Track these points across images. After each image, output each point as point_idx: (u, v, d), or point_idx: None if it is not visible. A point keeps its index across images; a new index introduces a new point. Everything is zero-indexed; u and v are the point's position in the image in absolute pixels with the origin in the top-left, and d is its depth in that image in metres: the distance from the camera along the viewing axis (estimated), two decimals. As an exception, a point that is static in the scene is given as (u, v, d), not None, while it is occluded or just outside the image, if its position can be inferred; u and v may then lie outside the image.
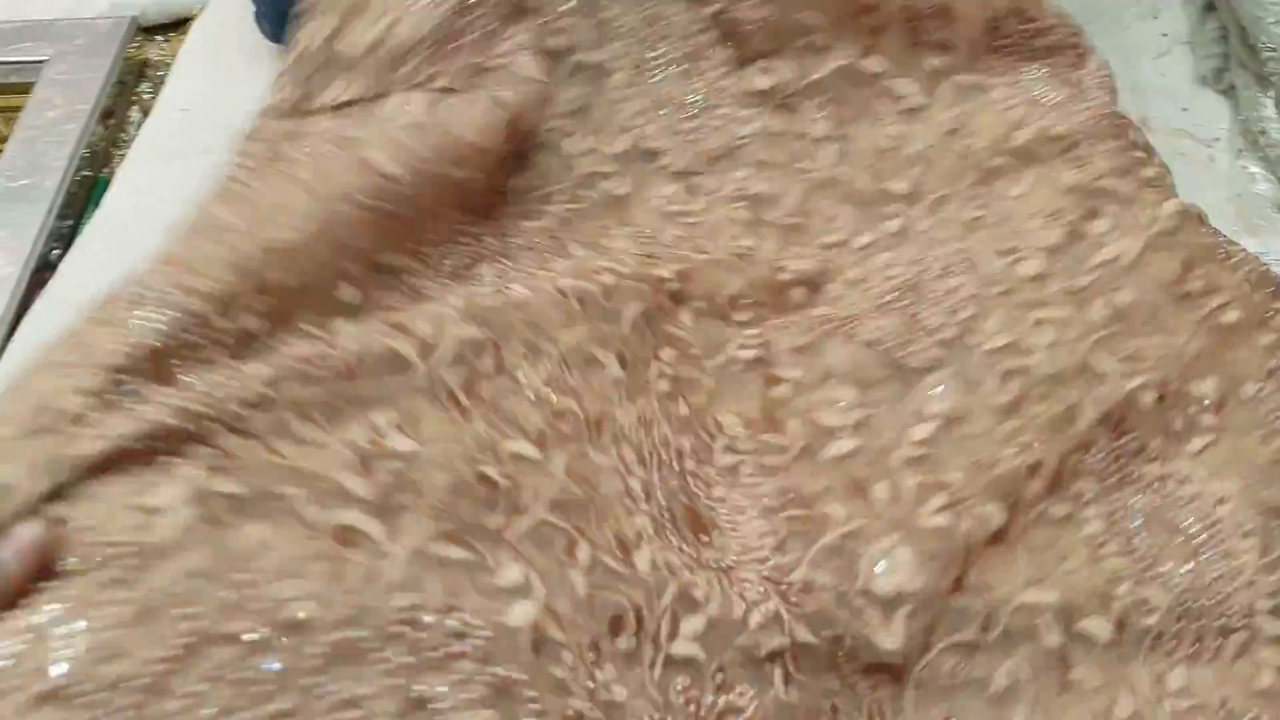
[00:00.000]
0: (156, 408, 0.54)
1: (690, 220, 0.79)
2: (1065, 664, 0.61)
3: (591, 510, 0.61)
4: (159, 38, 1.11)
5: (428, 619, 0.52)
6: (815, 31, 0.81)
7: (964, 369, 0.70)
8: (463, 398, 0.62)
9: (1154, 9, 1.03)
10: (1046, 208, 0.77)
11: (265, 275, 0.62)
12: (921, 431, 0.68)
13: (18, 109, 1.04)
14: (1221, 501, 0.65)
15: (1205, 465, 0.66)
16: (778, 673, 0.59)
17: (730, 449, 0.69)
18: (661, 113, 0.81)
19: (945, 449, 0.67)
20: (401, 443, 0.59)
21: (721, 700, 0.58)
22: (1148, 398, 0.67)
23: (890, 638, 0.60)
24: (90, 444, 0.52)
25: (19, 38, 1.07)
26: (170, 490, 0.52)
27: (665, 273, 0.74)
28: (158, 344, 0.56)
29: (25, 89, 1.05)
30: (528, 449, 0.62)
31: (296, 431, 0.58)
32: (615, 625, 0.58)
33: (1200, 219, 0.76)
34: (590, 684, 0.56)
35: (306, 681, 0.48)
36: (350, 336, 0.62)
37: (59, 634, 0.46)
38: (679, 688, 0.58)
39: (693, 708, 0.58)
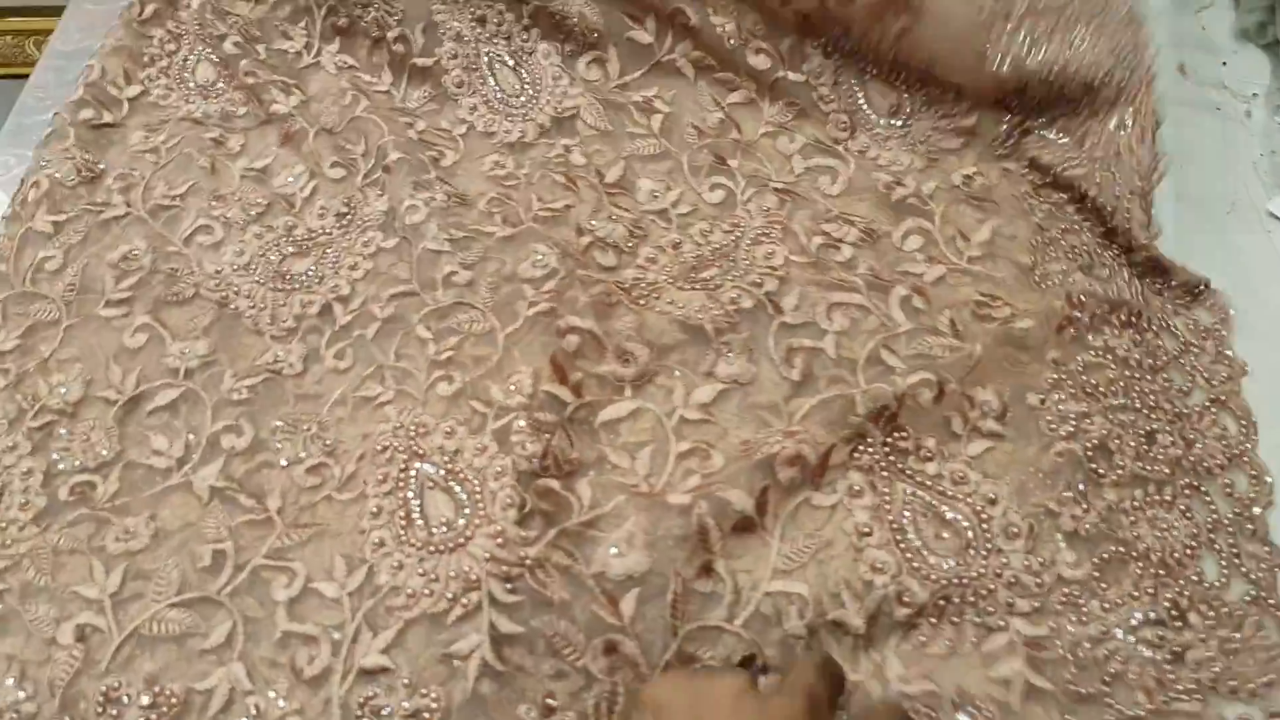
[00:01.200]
0: None
1: (509, 184, 0.82)
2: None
3: (311, 545, 0.66)
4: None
5: (126, 698, 0.61)
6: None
7: (758, 339, 0.72)
8: (205, 494, 0.68)
9: (1201, -39, 0.97)
10: (865, 211, 0.80)
11: None
12: (707, 393, 0.70)
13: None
14: (993, 502, 0.65)
15: (982, 468, 0.67)
16: (472, 666, 0.60)
17: (504, 410, 0.69)
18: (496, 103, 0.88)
19: (728, 416, 0.69)
20: (141, 539, 0.66)
21: (405, 705, 0.60)
22: (925, 395, 0.67)
23: (618, 616, 0.61)
24: None
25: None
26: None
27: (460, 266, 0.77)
28: None
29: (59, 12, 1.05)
30: (258, 515, 0.68)
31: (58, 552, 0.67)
32: (306, 656, 0.62)
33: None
34: None
35: None
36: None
37: None
38: (361, 700, 0.60)
39: (373, 718, 0.60)
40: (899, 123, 0.84)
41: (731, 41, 0.84)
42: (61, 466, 0.70)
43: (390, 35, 0.89)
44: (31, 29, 1.14)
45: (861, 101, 0.84)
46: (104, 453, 0.70)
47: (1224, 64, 0.91)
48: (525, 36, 0.89)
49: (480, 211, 0.80)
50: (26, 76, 1.01)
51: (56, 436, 0.71)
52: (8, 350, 0.74)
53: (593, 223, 0.79)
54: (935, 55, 0.80)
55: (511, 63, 0.89)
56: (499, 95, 0.88)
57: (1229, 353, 0.72)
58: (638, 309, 0.74)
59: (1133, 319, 0.73)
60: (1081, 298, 0.72)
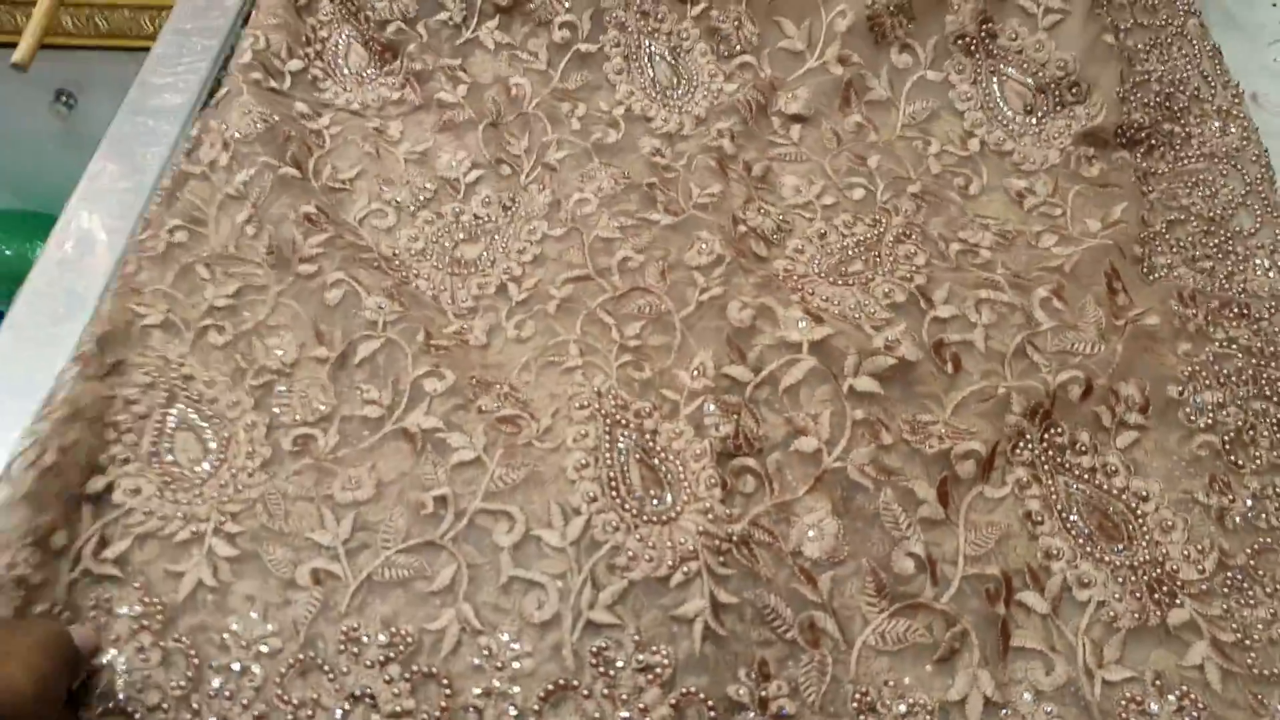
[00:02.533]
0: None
1: (669, 174, 0.89)
2: (1007, 631, 0.67)
3: (524, 489, 0.70)
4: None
5: (365, 638, 0.65)
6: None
7: (913, 330, 0.78)
8: (419, 438, 0.72)
9: (1277, -4, 1.10)
10: (998, 211, 0.90)
11: None
12: (880, 363, 0.75)
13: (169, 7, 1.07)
14: (1145, 499, 0.73)
15: (1131, 461, 0.75)
16: (697, 628, 0.65)
17: (693, 394, 0.75)
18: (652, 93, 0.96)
19: (892, 399, 0.75)
20: (366, 490, 0.71)
21: (638, 658, 0.65)
22: (1075, 391, 0.75)
23: (817, 592, 0.67)
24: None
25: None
26: (190, 560, 0.67)
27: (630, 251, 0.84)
28: None
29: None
30: (468, 455, 0.72)
31: (287, 498, 0.71)
32: (534, 601, 0.66)
33: (1122, 248, 0.85)
34: (500, 664, 0.64)
35: (274, 692, 0.64)
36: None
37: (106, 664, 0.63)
38: (593, 649, 0.65)
39: (605, 669, 0.64)
40: (1033, 119, 0.94)
41: (878, 41, 0.94)
42: (283, 420, 0.73)
43: (557, 20, 0.96)
44: (147, 4, 1.17)
45: (999, 99, 0.94)
46: (321, 408, 0.74)
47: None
48: (685, 35, 0.97)
49: (643, 195, 0.86)
50: (143, 49, 1.04)
51: (276, 394, 0.74)
52: (221, 308, 0.77)
53: (746, 213, 0.86)
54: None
55: (670, 59, 0.97)
56: (655, 86, 0.95)
57: None
58: (799, 297, 0.80)
59: (1244, 311, 0.82)
60: (1192, 295, 0.82)
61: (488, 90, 0.95)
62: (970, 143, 0.94)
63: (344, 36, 0.96)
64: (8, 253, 1.26)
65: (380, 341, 0.76)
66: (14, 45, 1.03)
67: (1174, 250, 0.87)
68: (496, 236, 0.85)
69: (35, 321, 0.79)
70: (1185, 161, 0.93)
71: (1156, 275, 0.85)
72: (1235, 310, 0.82)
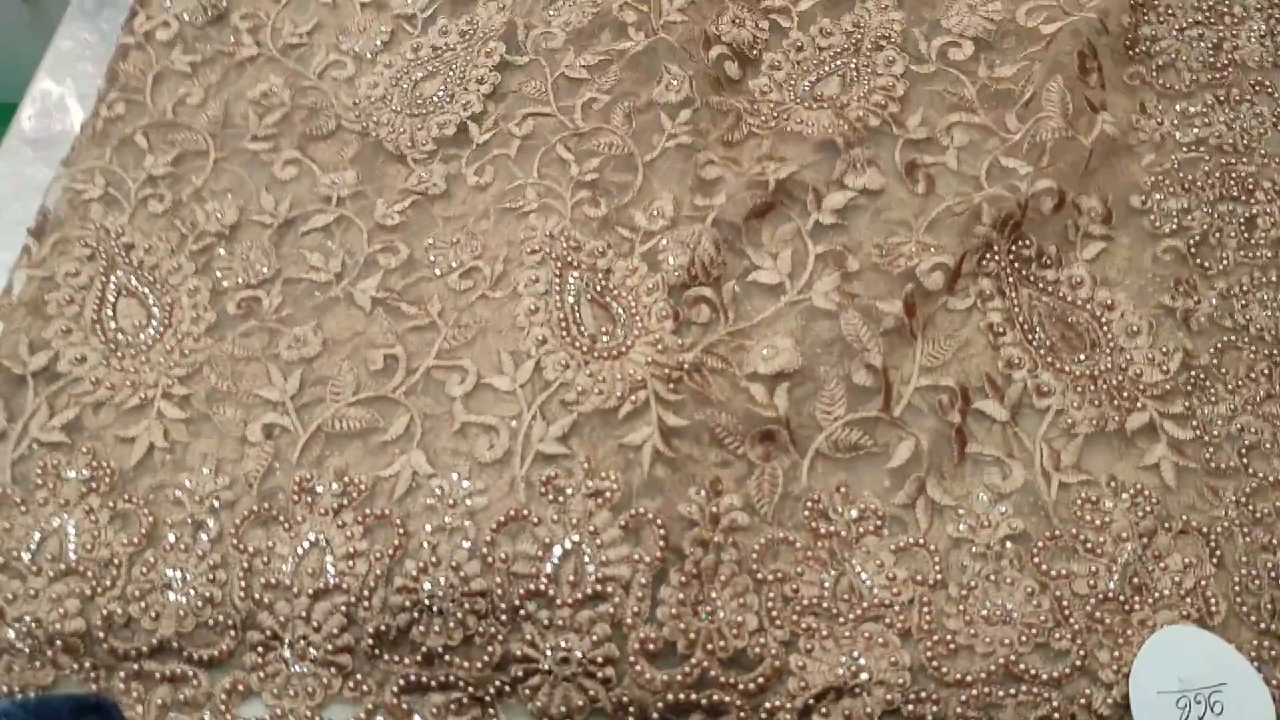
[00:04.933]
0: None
1: None
2: (963, 440, 0.66)
3: (477, 343, 0.71)
4: None
5: (320, 488, 0.66)
6: None
7: (885, 154, 0.77)
8: (368, 305, 0.72)
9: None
10: (983, 6, 0.83)
11: None
12: (838, 199, 0.74)
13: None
14: (1110, 308, 0.71)
15: (1096, 271, 0.72)
16: (646, 453, 0.65)
17: (649, 234, 0.74)
18: None
19: (859, 222, 0.74)
20: (312, 346, 0.70)
21: (587, 484, 0.65)
22: (1048, 204, 0.73)
23: (771, 409, 0.67)
24: None
25: None
26: (140, 425, 0.68)
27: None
28: None
29: None
30: (421, 319, 0.72)
31: (234, 358, 0.71)
32: (486, 443, 0.67)
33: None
34: (452, 502, 0.65)
35: (230, 542, 0.65)
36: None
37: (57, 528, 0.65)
38: (543, 478, 0.65)
39: (555, 496, 0.64)
40: None
41: None
42: (225, 284, 0.73)
43: None
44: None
45: None
46: (264, 270, 0.73)
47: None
48: None
49: (614, 25, 0.83)
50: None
51: (217, 257, 0.74)
52: (160, 176, 0.77)
53: (720, 25, 0.82)
54: None
55: None
56: None
57: None
58: (768, 132, 0.78)
59: (1222, 99, 0.79)
60: (1159, 99, 0.80)
61: None
62: None
63: None
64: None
65: (333, 216, 0.76)
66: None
67: (1162, 18, 0.83)
68: (454, 64, 0.83)
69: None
70: None
71: (1138, 50, 0.81)
72: (1213, 98, 0.79)
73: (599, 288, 0.72)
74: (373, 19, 0.86)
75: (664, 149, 0.77)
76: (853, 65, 0.81)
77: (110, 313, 0.71)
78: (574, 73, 0.81)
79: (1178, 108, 0.79)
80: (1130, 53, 0.81)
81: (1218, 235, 0.74)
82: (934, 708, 0.59)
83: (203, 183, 0.77)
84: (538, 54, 0.82)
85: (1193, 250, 0.73)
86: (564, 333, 0.70)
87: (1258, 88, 0.79)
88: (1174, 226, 0.74)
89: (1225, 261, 0.73)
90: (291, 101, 0.81)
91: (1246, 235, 0.74)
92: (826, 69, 0.81)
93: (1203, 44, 0.81)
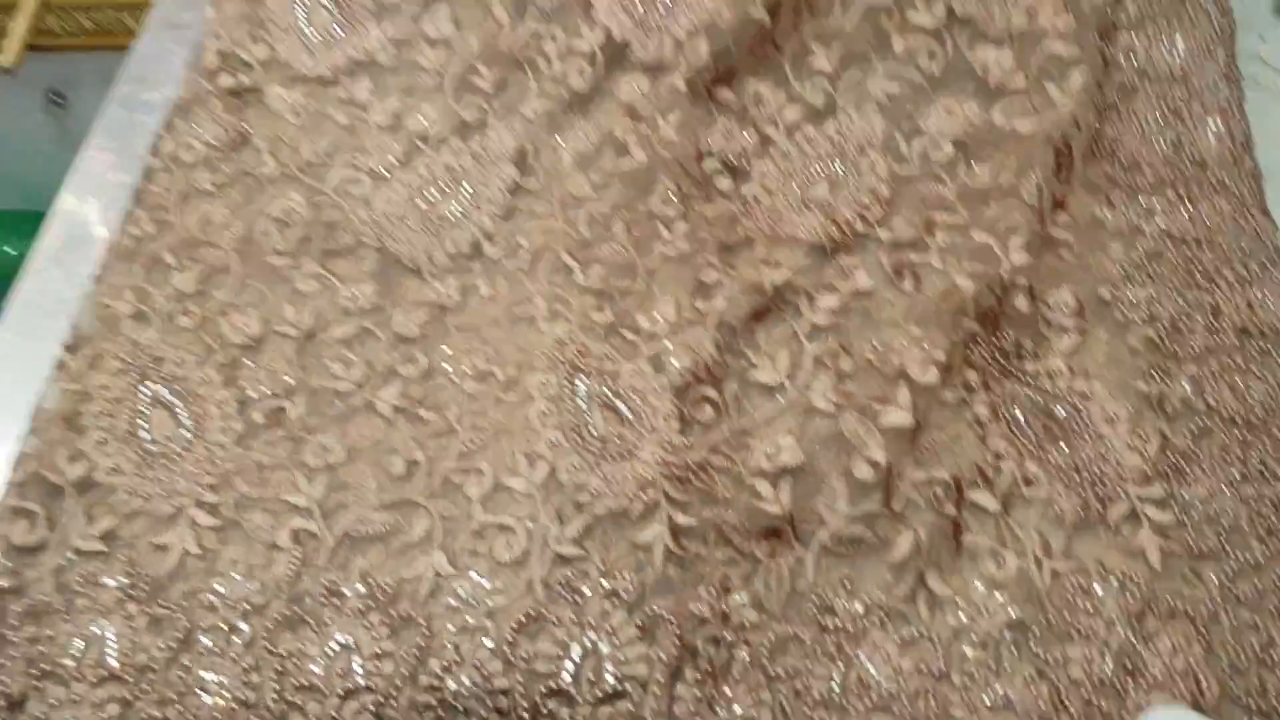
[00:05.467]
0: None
1: (644, 113, 0.88)
2: (959, 530, 0.70)
3: (493, 446, 0.74)
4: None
5: (347, 590, 0.69)
6: None
7: (872, 256, 0.81)
8: (389, 413, 0.76)
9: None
10: (964, 92, 0.88)
11: None
12: (831, 302, 0.79)
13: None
14: (1087, 397, 0.75)
15: (1073, 362, 0.77)
16: (657, 552, 0.68)
17: (654, 338, 0.77)
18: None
19: (851, 323, 0.79)
20: (337, 454, 0.74)
21: (603, 584, 0.68)
22: (1023, 300, 0.78)
23: (775, 504, 0.70)
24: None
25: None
26: (174, 532, 0.71)
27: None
28: None
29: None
30: (439, 425, 0.75)
31: (262, 466, 0.74)
32: (504, 543, 0.70)
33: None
34: (473, 602, 0.68)
35: (263, 645, 0.67)
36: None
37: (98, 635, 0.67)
38: (561, 580, 0.68)
39: (572, 596, 0.68)
40: None
41: None
42: (251, 394, 0.76)
43: None
44: (130, 2, 1.20)
45: None
46: (289, 380, 0.77)
47: (1261, 38, 1.01)
48: None
49: (616, 144, 0.87)
50: (126, 48, 1.07)
51: (243, 368, 0.77)
52: (190, 294, 0.80)
53: (710, 140, 0.87)
54: None
55: None
56: (638, 3, 0.93)
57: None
58: (763, 237, 0.82)
59: (1183, 194, 0.84)
60: (1125, 194, 0.85)
61: (467, 35, 0.94)
62: (935, 8, 0.91)
63: (305, 3, 0.97)
64: (8, 250, 1.32)
65: (354, 328, 0.79)
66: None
67: (1123, 120, 0.88)
68: (467, 184, 0.87)
69: (30, 317, 0.82)
70: (1153, 2, 0.92)
71: (1103, 148, 0.86)
72: (1175, 194, 0.83)
73: (608, 390, 0.75)
74: (388, 139, 0.90)
75: (664, 255, 0.81)
76: (839, 169, 0.86)
77: (143, 424, 0.74)
78: (579, 190, 0.86)
79: (1142, 202, 0.83)
80: (1095, 150, 0.86)
81: (1186, 321, 0.78)
82: None
83: (228, 297, 0.80)
84: (546, 175, 0.87)
85: (1163, 337, 0.78)
86: (576, 435, 0.73)
87: (1217, 185, 0.84)
88: (1144, 316, 0.78)
89: (1195, 347, 0.77)
90: (311, 218, 0.85)
91: (1213, 320, 0.78)
92: (814, 173, 0.86)
93: (1164, 143, 0.86)
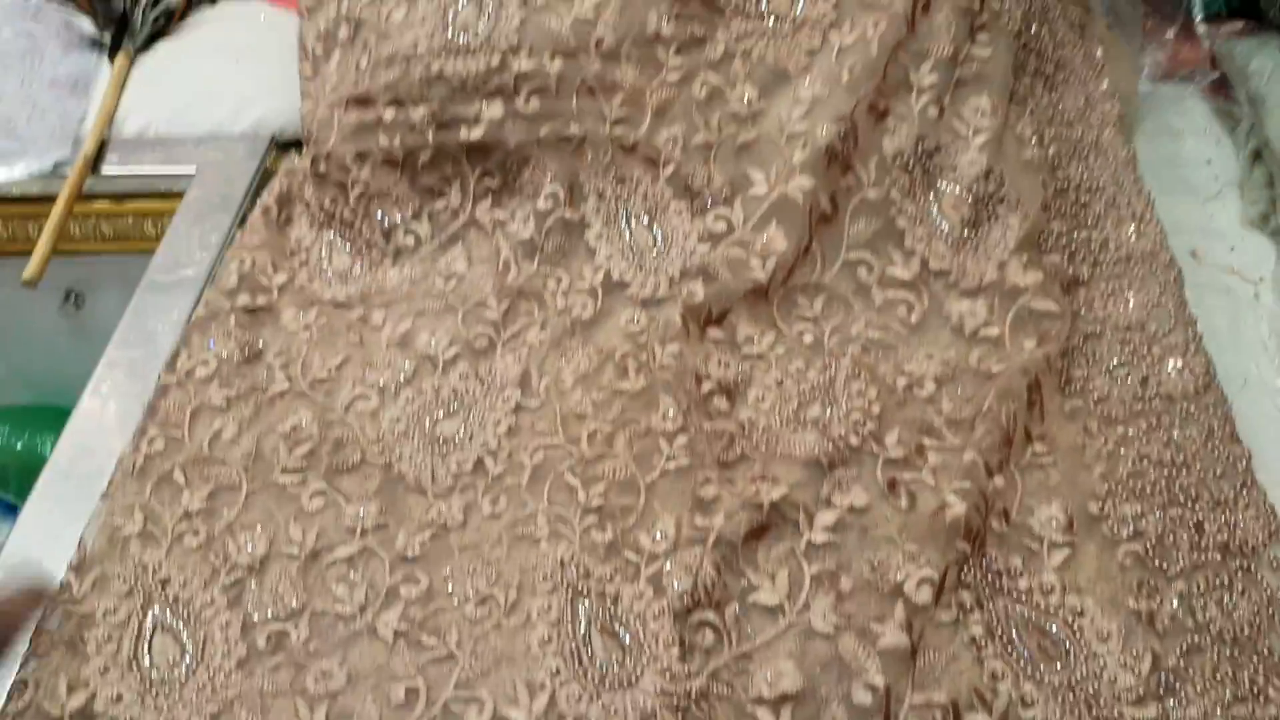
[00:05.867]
0: None
1: (642, 339, 0.93)
2: None
3: (493, 673, 0.75)
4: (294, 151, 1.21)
5: None
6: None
7: (867, 472, 0.84)
8: (390, 638, 0.77)
9: (1206, 155, 1.12)
10: (945, 341, 0.94)
11: None
12: (828, 518, 0.81)
13: (170, 212, 1.16)
14: (1080, 614, 0.77)
15: (1065, 578, 0.79)
16: None
17: (655, 558, 0.79)
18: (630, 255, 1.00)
19: (849, 540, 0.80)
20: (338, 680, 0.75)
21: None
22: (996, 524, 0.81)
23: None
24: None
25: (172, 152, 1.19)
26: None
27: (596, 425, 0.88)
28: None
29: (177, 196, 1.16)
30: (440, 651, 0.76)
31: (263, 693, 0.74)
32: None
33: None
34: None
35: None
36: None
37: None
38: None
39: None
40: (970, 232, 0.97)
41: (829, 165, 0.97)
42: (255, 618, 0.77)
43: (544, 192, 1.01)
44: (149, 210, 1.25)
45: (936, 214, 0.98)
46: (292, 603, 0.78)
47: (1232, 249, 1.05)
48: (660, 195, 1.01)
49: (616, 367, 0.91)
50: (147, 251, 1.12)
51: (248, 590, 0.79)
52: (195, 511, 0.82)
53: (708, 367, 0.90)
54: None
55: (646, 220, 1.01)
56: (633, 249, 0.99)
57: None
58: (760, 455, 0.85)
59: (1155, 423, 0.87)
60: (1101, 423, 0.88)
61: (480, 267, 1.00)
62: (911, 263, 0.97)
63: (326, 242, 1.03)
64: (19, 446, 1.34)
65: (357, 548, 0.81)
66: (26, 254, 1.12)
67: (1091, 362, 0.92)
68: (474, 410, 0.90)
69: (38, 533, 0.84)
70: (1104, 266, 0.97)
71: (1073, 388, 0.90)
72: (1147, 424, 0.87)
73: (608, 615, 0.76)
74: (397, 356, 0.93)
75: (664, 470, 0.83)
76: (830, 394, 0.89)
77: (146, 649, 0.75)
78: (580, 408, 0.88)
79: (1118, 431, 0.87)
80: (1066, 390, 0.90)
81: (1171, 538, 0.80)
82: None
83: (235, 516, 0.82)
84: (549, 396, 0.90)
85: (1150, 553, 0.79)
86: (576, 663, 0.74)
87: (1186, 416, 0.87)
88: (1131, 531, 0.81)
89: (1181, 563, 0.79)
90: (319, 435, 0.87)
91: (1197, 538, 0.80)
92: (807, 397, 0.89)
93: (1130, 380, 0.90)
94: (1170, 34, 1.16)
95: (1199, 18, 1.15)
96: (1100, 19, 1.12)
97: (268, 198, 1.05)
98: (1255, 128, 1.08)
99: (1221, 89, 1.14)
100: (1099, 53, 1.08)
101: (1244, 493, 0.83)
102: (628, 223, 1.01)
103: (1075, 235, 1.00)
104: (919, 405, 0.88)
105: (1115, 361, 0.92)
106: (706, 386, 0.89)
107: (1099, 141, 1.05)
